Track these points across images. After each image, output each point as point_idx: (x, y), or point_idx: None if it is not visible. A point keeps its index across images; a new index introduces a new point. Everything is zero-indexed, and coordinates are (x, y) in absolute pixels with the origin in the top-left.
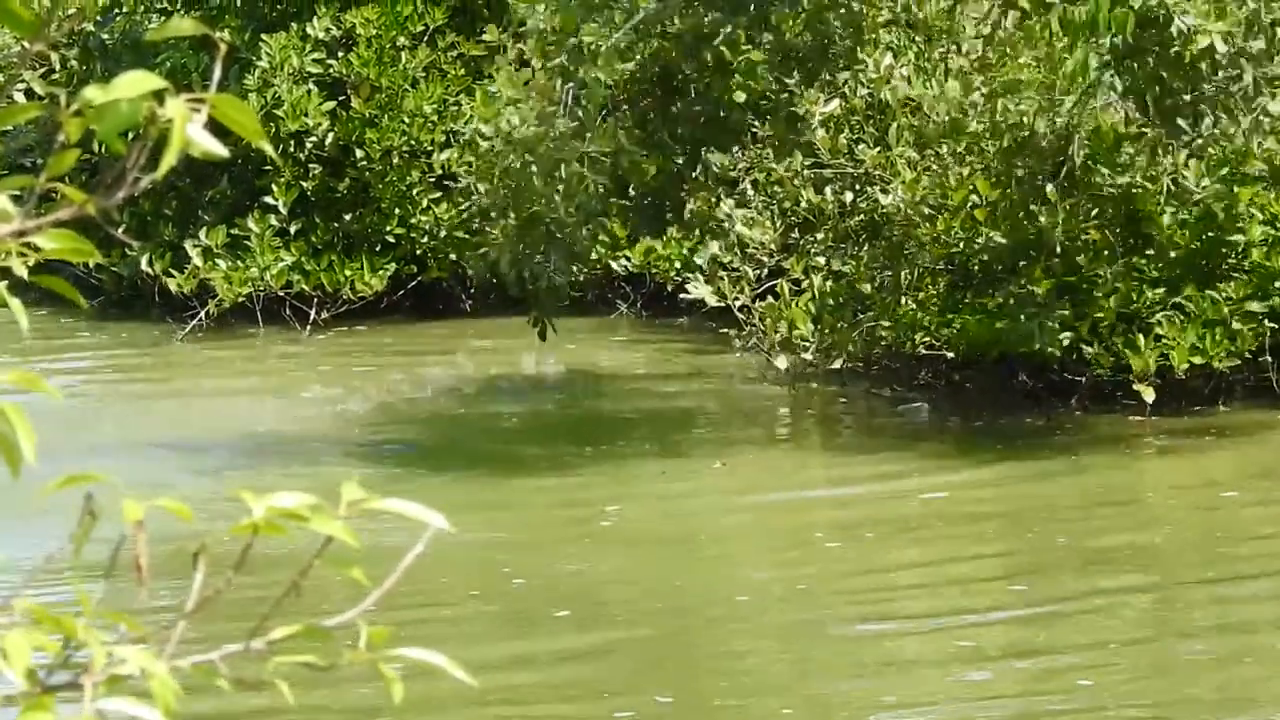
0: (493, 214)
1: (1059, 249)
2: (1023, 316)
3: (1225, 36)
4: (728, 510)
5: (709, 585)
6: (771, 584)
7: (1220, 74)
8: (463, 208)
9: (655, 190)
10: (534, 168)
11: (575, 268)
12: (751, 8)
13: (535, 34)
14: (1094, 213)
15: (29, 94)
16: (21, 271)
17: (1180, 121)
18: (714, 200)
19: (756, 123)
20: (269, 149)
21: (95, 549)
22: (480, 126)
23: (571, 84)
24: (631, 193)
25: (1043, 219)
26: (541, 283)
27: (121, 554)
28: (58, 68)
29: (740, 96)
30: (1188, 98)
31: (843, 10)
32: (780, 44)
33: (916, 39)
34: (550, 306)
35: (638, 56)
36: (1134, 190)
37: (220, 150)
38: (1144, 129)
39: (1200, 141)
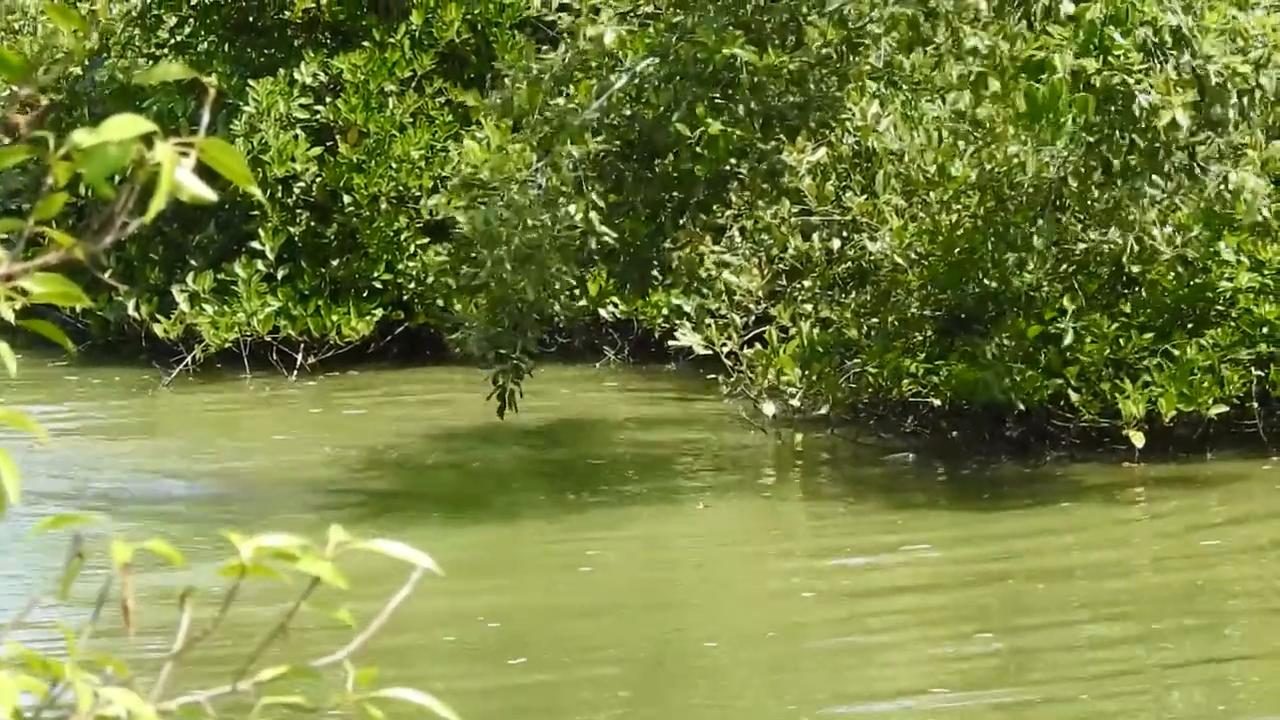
0: (468, 291)
1: (1043, 296)
2: (1005, 364)
3: (1188, 110)
4: (709, 556)
5: (683, 632)
6: (747, 632)
7: (1184, 147)
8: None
9: (638, 249)
10: (506, 262)
11: (556, 320)
12: (722, 78)
13: (505, 108)
14: (1078, 261)
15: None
16: (9, 315)
17: (1146, 188)
18: (700, 249)
19: (742, 172)
20: (257, 193)
21: (82, 590)
22: (457, 214)
23: (543, 160)
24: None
25: (1027, 266)
26: (507, 365)
27: (110, 595)
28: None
29: (700, 171)
30: (1151, 173)
31: (826, 67)
32: (760, 106)
33: (903, 88)
34: (515, 382)
35: (611, 121)
36: (1105, 246)
37: (209, 194)
38: (1107, 186)
39: (1165, 202)
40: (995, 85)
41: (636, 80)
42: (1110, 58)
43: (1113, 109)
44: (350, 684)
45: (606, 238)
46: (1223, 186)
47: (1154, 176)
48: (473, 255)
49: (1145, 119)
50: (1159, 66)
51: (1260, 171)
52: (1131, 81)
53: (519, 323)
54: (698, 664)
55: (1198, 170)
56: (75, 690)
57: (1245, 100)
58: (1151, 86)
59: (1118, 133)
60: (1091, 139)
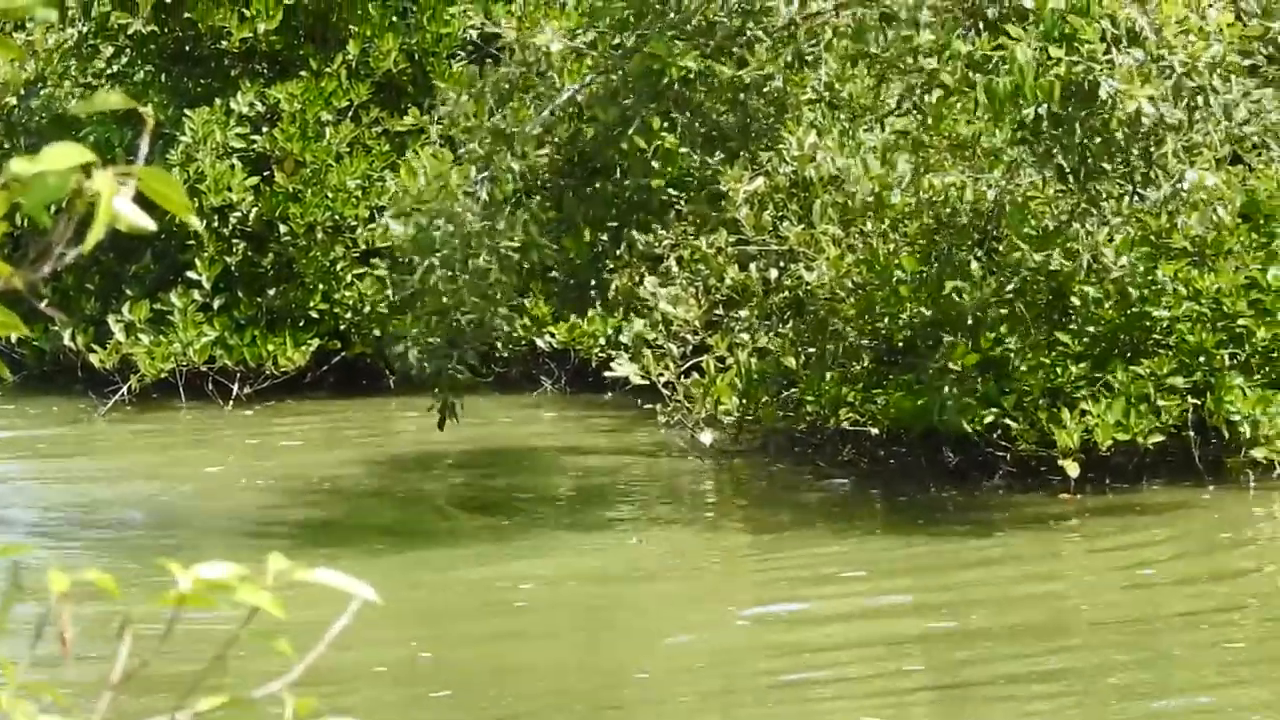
0: (405, 305)
1: (981, 324)
2: (943, 393)
3: (1152, 100)
4: (645, 586)
5: (618, 661)
6: (681, 663)
7: (1142, 142)
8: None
9: (577, 270)
10: (440, 269)
11: (494, 349)
12: (670, 94)
13: (449, 119)
14: (1016, 288)
15: None
16: None
17: (1101, 190)
18: (638, 278)
19: (680, 201)
20: (196, 223)
21: (19, 620)
22: (390, 223)
23: (485, 173)
24: (554, 274)
25: (965, 294)
26: (444, 376)
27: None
28: None
29: (658, 183)
30: (1108, 167)
31: (765, 90)
32: (703, 124)
33: (840, 116)
34: (454, 395)
35: (554, 139)
36: (1051, 269)
37: (148, 224)
38: (1060, 197)
39: (1119, 220)
40: (948, 79)
41: (581, 97)
42: (1075, 43)
43: (1075, 101)
44: (289, 715)
45: (546, 251)
46: (1179, 186)
47: (1105, 184)
48: (409, 266)
49: (1109, 109)
50: (1119, 59)
51: (1216, 171)
52: (1097, 69)
53: (457, 335)
54: (631, 694)
55: (1155, 169)
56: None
57: (1200, 98)
58: (1115, 77)
59: (1077, 129)
60: (1045, 137)
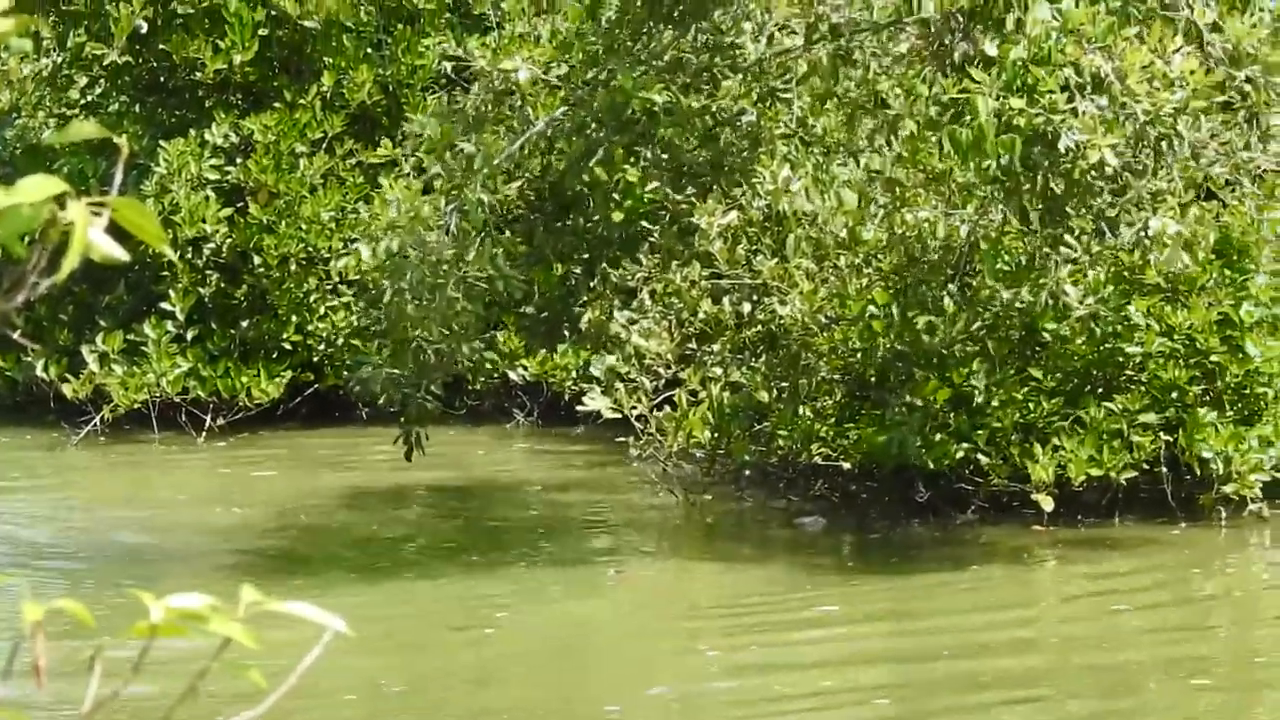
0: (373, 334)
1: (952, 359)
2: (916, 428)
3: (1114, 149)
4: (617, 621)
5: (587, 697)
6: (650, 697)
7: (1106, 188)
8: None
9: (548, 304)
10: (408, 294)
11: (466, 381)
12: (636, 128)
13: (420, 143)
14: (988, 324)
15: None
16: None
17: (1066, 237)
18: (610, 311)
19: (652, 234)
20: (170, 254)
21: None
22: (361, 250)
23: (454, 204)
24: (525, 308)
25: (937, 330)
26: (411, 407)
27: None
28: None
29: (618, 217)
30: (1073, 214)
31: (738, 124)
32: (674, 158)
33: (814, 151)
34: (420, 426)
35: (525, 172)
36: (1019, 306)
37: (121, 254)
38: (1025, 238)
39: (1086, 259)
40: (910, 127)
41: (549, 130)
42: (1036, 95)
43: (1038, 149)
44: None
45: (514, 283)
46: (1143, 233)
47: (1073, 221)
48: (378, 295)
49: (1071, 159)
50: (1082, 108)
51: (1179, 218)
52: (1058, 120)
53: (424, 365)
54: None
55: (1119, 216)
56: None
57: (1164, 145)
58: (1078, 126)
59: (1039, 176)
60: (1010, 180)
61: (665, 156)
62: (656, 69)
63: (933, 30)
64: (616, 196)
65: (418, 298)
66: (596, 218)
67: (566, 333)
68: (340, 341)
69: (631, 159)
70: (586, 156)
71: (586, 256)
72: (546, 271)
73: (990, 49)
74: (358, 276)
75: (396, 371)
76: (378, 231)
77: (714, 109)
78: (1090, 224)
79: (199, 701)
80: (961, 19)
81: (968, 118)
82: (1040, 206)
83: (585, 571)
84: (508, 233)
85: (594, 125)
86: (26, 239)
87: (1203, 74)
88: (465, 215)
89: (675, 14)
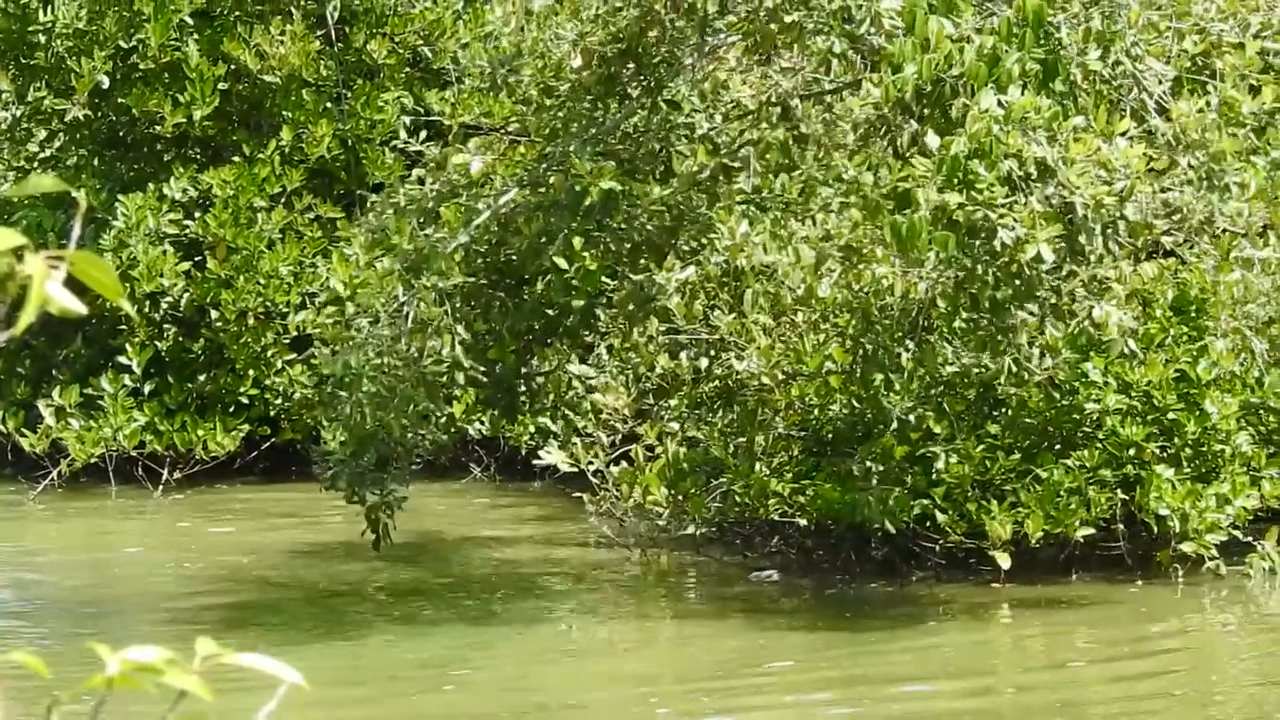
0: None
1: (908, 418)
2: (872, 485)
3: (1052, 244)
4: (572, 676)
5: None
6: None
7: (1049, 280)
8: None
9: (504, 375)
10: (366, 404)
11: (423, 452)
12: (593, 212)
13: (373, 236)
14: (946, 381)
15: None
16: None
17: (1014, 321)
18: (567, 370)
19: (612, 295)
20: (128, 307)
21: None
22: (323, 353)
23: (410, 293)
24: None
25: (895, 388)
26: (376, 500)
27: None
28: None
29: (578, 303)
30: (1019, 307)
31: (698, 189)
32: (627, 238)
33: (771, 208)
34: (386, 514)
35: (479, 249)
36: (977, 370)
37: (79, 308)
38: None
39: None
40: (857, 215)
41: (504, 210)
42: (974, 192)
43: (976, 244)
44: None
45: (473, 373)
46: (1088, 322)
47: (1023, 308)
48: (336, 390)
49: (1009, 254)
50: (1024, 199)
51: (1124, 304)
52: (994, 216)
53: (386, 458)
54: None
55: (1064, 305)
56: None
57: (1109, 231)
58: (1016, 220)
59: (980, 268)
60: (959, 273)
61: (622, 232)
62: (609, 147)
63: (881, 114)
64: (576, 283)
65: (376, 399)
66: (556, 302)
67: (524, 401)
68: (297, 396)
69: (589, 243)
70: (544, 239)
71: (543, 329)
72: (502, 348)
73: (932, 141)
74: (316, 331)
75: (359, 467)
76: (332, 310)
77: (668, 196)
78: (1037, 313)
79: None
80: (910, 105)
81: (909, 208)
82: (988, 295)
83: (541, 627)
84: (463, 322)
85: (550, 208)
86: None
87: (1148, 159)
88: (423, 303)
89: (628, 91)
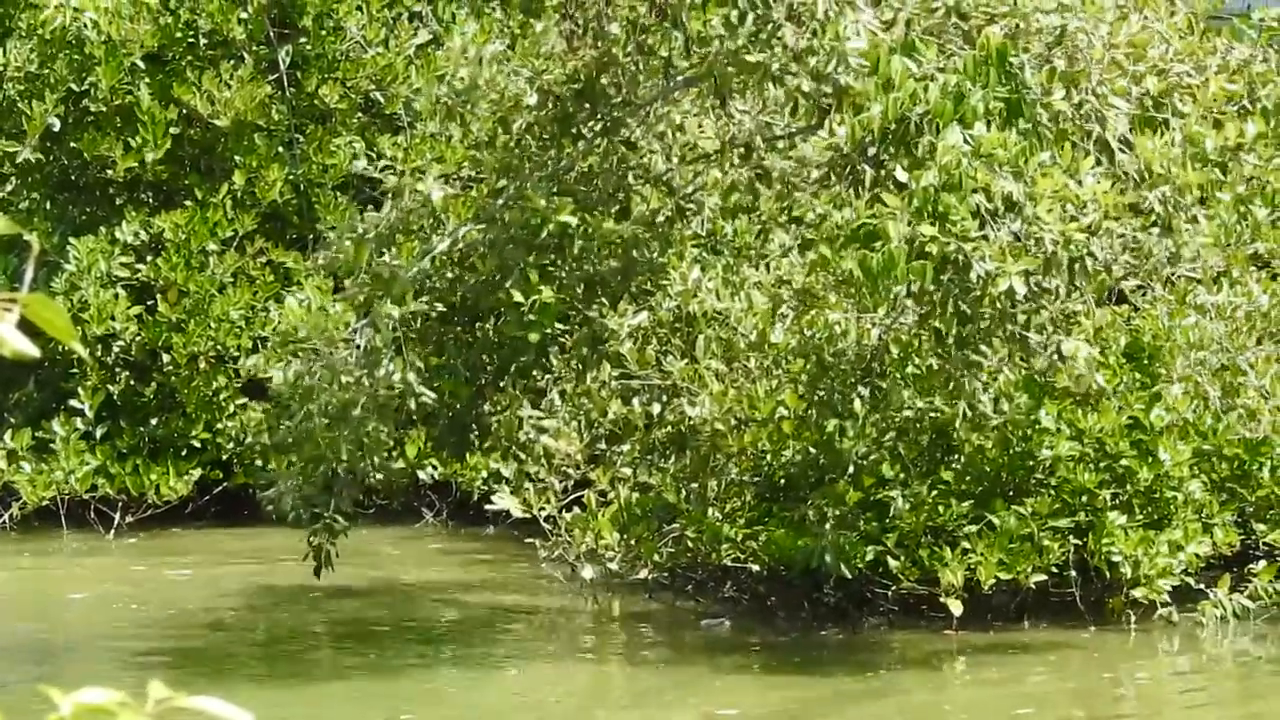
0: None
1: (862, 463)
2: (825, 530)
3: (1024, 277)
4: None
5: None
6: None
7: (1019, 313)
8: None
9: (456, 413)
10: (317, 415)
11: (370, 480)
12: (548, 246)
13: (330, 264)
14: (899, 427)
15: None
16: None
17: (978, 357)
18: (519, 413)
19: (565, 338)
20: (81, 350)
21: None
22: (271, 370)
23: (364, 320)
24: (433, 416)
25: (848, 433)
26: (320, 524)
27: None
28: None
29: (534, 337)
30: (983, 339)
31: (651, 232)
32: (581, 273)
33: (724, 253)
34: (330, 541)
35: (433, 283)
36: (933, 414)
37: (32, 351)
38: (940, 358)
39: (1003, 373)
40: (825, 251)
41: (460, 245)
42: (948, 224)
43: (947, 277)
44: None
45: (425, 399)
46: (1055, 357)
47: (988, 344)
48: (286, 412)
49: (981, 287)
50: (993, 234)
51: (1092, 340)
52: (969, 249)
53: (333, 482)
54: None
55: (1031, 339)
56: None
57: (1077, 267)
58: (988, 255)
59: (951, 301)
60: (922, 309)
61: (577, 270)
62: (566, 185)
63: (844, 153)
64: (533, 317)
65: (326, 417)
66: (511, 337)
67: (475, 440)
68: (249, 440)
69: (544, 278)
70: (499, 274)
71: (497, 367)
72: (456, 383)
73: (901, 175)
74: (267, 378)
75: (306, 489)
76: (286, 349)
77: (625, 231)
78: (1004, 347)
79: None
80: (873, 143)
81: (878, 242)
82: (954, 331)
83: (491, 673)
84: (416, 350)
85: (506, 242)
86: None
87: (1114, 194)
88: (377, 330)
89: (584, 131)
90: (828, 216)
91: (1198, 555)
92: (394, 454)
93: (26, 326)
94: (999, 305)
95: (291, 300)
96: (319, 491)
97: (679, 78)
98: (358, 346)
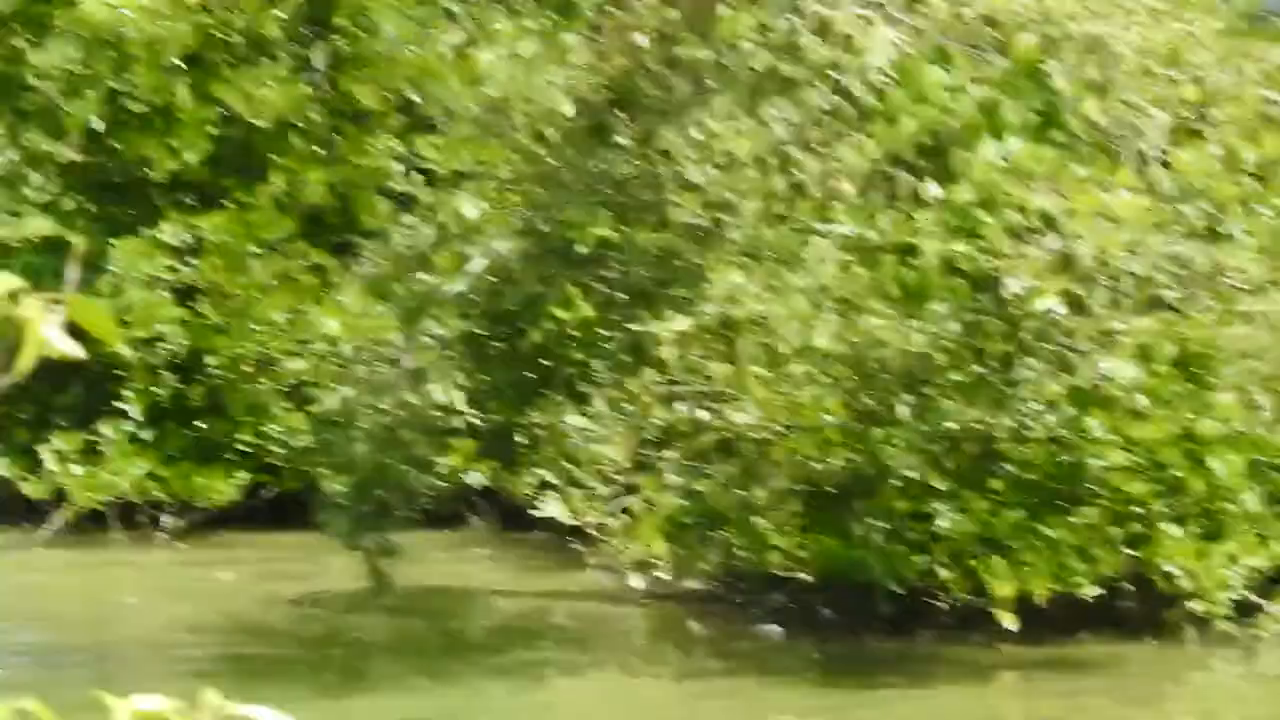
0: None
1: (909, 473)
2: (874, 541)
3: (1062, 295)
4: None
5: None
6: None
7: (1055, 333)
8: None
9: (502, 424)
10: (366, 444)
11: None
12: (588, 261)
13: (370, 283)
14: (946, 437)
15: None
16: None
17: (1020, 373)
18: (564, 422)
19: (609, 345)
20: (125, 351)
21: None
22: (324, 398)
23: (406, 339)
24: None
25: (893, 442)
26: (375, 545)
27: None
28: None
29: (578, 355)
30: (1024, 360)
31: (691, 239)
32: (623, 283)
33: (765, 258)
34: (387, 559)
35: (474, 299)
36: (976, 425)
37: (78, 352)
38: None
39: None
40: (861, 271)
41: (498, 259)
42: (980, 241)
43: (983, 296)
44: None
45: (469, 417)
46: (1094, 375)
47: (1028, 362)
48: (333, 436)
49: (1017, 305)
50: (1029, 250)
51: (1134, 357)
52: (1002, 265)
53: (386, 504)
54: None
55: (1071, 357)
56: None
57: (1115, 282)
58: (1023, 272)
59: (988, 319)
60: (962, 324)
61: (617, 281)
62: (602, 195)
63: (878, 167)
64: (573, 332)
65: (375, 440)
66: (554, 351)
67: (522, 449)
68: (297, 444)
69: (584, 292)
70: (540, 285)
71: (541, 377)
72: (500, 398)
73: (934, 190)
74: (311, 383)
75: (359, 511)
76: (331, 373)
77: (663, 240)
78: (1043, 364)
79: None
80: (906, 156)
81: (915, 259)
82: (994, 348)
83: (539, 682)
84: (459, 370)
85: (543, 255)
86: None
87: (1153, 208)
88: (420, 350)
89: (618, 141)
90: (863, 233)
91: (1257, 568)
92: (443, 470)
93: (71, 328)
94: (1037, 322)
95: (330, 306)
96: (372, 513)
97: (710, 83)
98: (402, 367)
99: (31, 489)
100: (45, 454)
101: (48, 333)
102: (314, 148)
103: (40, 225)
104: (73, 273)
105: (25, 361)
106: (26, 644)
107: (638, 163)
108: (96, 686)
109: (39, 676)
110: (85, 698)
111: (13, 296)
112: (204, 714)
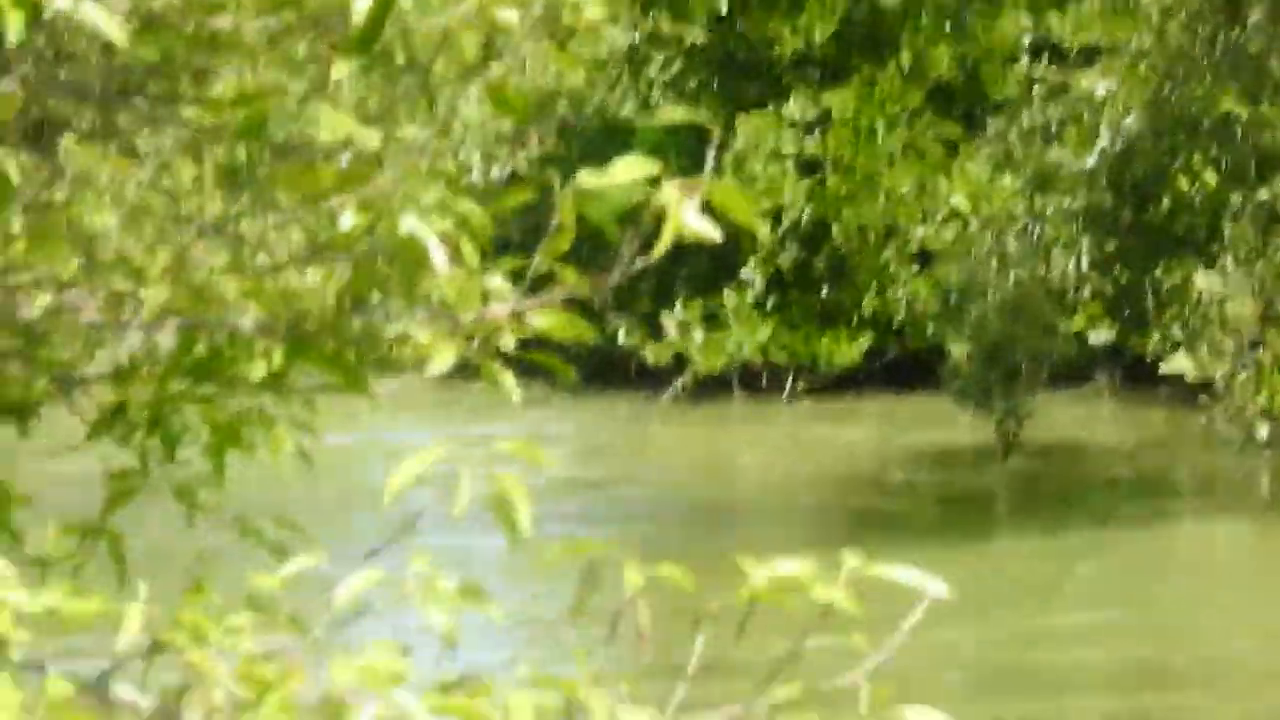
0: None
1: None
2: None
3: None
4: (1200, 577)
5: (1180, 654)
6: (1237, 659)
7: None
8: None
9: (1130, 288)
10: (993, 313)
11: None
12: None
13: (997, 157)
14: None
15: (513, 175)
16: (510, 346)
17: None
18: (1193, 281)
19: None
20: (762, 232)
21: (595, 612)
22: (960, 203)
23: (1034, 212)
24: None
25: None
26: (1003, 412)
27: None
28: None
29: (1203, 220)
30: None
31: None
32: (1251, 150)
33: None
34: (1015, 424)
35: (1105, 174)
36: None
37: (715, 235)
38: None
39: None
40: None
41: (1127, 134)
42: None
43: None
44: (863, 705)
45: (1099, 285)
46: None
47: None
48: (962, 303)
49: None
50: None
51: None
52: None
53: (1013, 371)
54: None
55: None
56: (590, 706)
57: None
58: None
59: None
60: None
61: (1241, 151)
62: (1230, 71)
63: None
64: (1198, 203)
65: (1003, 310)
66: (1182, 220)
67: (1151, 313)
68: (920, 309)
69: (1210, 163)
70: (1166, 160)
71: (1170, 241)
72: (1129, 268)
73: None
74: (939, 249)
75: (988, 380)
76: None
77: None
78: None
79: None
80: None
81: None
82: None
83: (1165, 530)
84: (1088, 234)
85: (1170, 131)
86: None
87: None
88: (1047, 222)
89: (1248, 17)
90: None
91: None
92: (1068, 335)
93: (705, 208)
94: None
95: (958, 176)
96: (1001, 378)
97: None
98: (1029, 236)
99: (653, 355)
100: (666, 323)
101: (686, 216)
102: (943, 23)
103: (677, 113)
104: (710, 158)
105: (662, 245)
106: (653, 505)
107: (1267, 39)
108: (723, 547)
109: (667, 538)
110: (718, 558)
111: (649, 180)
112: (844, 577)
